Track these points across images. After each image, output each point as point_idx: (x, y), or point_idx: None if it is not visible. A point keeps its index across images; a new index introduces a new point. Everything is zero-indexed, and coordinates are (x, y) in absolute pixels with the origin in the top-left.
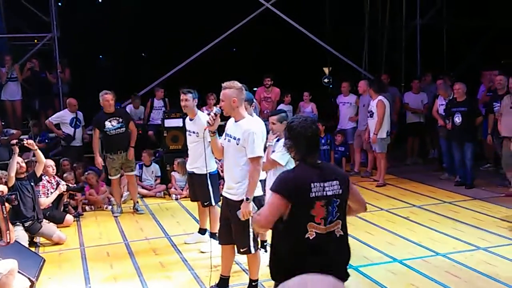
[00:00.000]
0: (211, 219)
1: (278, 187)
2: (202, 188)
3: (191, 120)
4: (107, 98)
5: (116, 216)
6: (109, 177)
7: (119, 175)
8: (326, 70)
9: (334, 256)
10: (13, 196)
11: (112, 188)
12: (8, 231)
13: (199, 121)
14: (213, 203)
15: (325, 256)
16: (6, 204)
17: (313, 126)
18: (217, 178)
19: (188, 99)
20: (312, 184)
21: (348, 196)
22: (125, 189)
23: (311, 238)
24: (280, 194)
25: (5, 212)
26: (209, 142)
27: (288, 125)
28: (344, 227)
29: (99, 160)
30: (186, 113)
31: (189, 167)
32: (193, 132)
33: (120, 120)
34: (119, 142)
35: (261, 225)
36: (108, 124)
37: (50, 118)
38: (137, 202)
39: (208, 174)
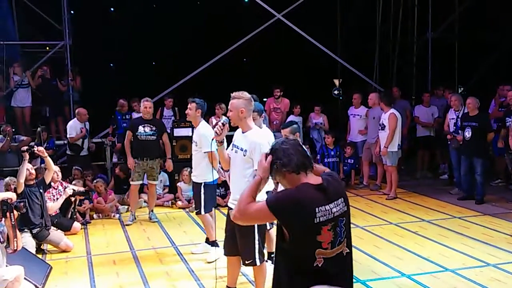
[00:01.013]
0: (205, 228)
1: (269, 200)
2: (196, 196)
3: (195, 129)
4: (146, 105)
5: (128, 224)
6: (131, 182)
7: (140, 182)
8: (336, 81)
9: (343, 276)
10: (22, 204)
11: (130, 194)
12: (15, 239)
13: (198, 131)
14: (202, 212)
15: (336, 279)
16: (15, 212)
17: (291, 139)
18: (214, 188)
19: (190, 108)
20: (317, 209)
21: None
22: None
23: (320, 265)
24: (271, 211)
25: (13, 220)
26: (205, 152)
27: (272, 147)
28: (349, 244)
29: (131, 160)
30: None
31: (191, 174)
32: (193, 141)
33: (154, 128)
34: (147, 148)
35: (241, 215)
36: (141, 128)
37: (69, 135)
38: (152, 210)
39: (203, 183)
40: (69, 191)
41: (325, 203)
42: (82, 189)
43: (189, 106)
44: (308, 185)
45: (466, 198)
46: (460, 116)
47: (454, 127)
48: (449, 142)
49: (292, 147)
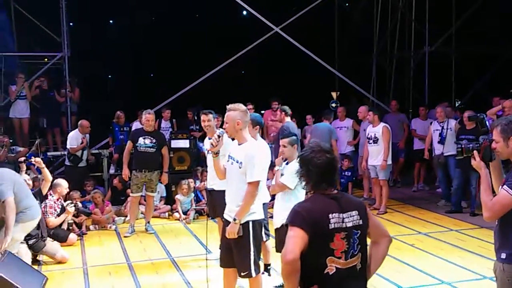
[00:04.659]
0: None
1: (294, 220)
2: (222, 203)
3: (209, 139)
4: (147, 118)
5: (127, 236)
6: (130, 194)
7: (139, 194)
8: (334, 94)
9: None
10: None
11: (130, 206)
12: None
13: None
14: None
15: None
16: None
17: (327, 155)
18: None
19: (210, 119)
20: (330, 215)
21: (368, 227)
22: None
23: (330, 273)
24: (298, 227)
25: None
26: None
27: (300, 155)
28: (364, 261)
29: (126, 171)
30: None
31: (209, 184)
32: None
33: (154, 140)
34: (145, 160)
35: (289, 260)
36: (141, 140)
37: (70, 146)
38: (149, 222)
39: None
40: (71, 209)
41: (338, 211)
42: (85, 210)
43: (207, 118)
44: (320, 195)
45: (454, 212)
46: (445, 127)
47: (439, 137)
48: (433, 156)
49: (318, 169)
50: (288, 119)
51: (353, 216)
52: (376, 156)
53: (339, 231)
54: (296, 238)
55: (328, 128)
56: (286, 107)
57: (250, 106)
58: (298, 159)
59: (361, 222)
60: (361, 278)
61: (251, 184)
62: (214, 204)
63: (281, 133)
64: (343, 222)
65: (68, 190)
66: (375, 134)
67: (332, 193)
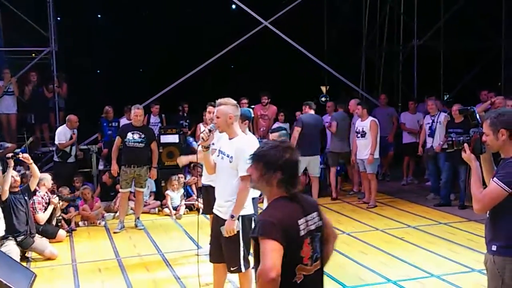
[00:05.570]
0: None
1: (267, 232)
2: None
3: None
4: (136, 113)
5: (117, 232)
6: (120, 190)
7: (129, 190)
8: (323, 89)
9: None
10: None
11: (119, 201)
12: None
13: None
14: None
15: None
16: None
17: (294, 155)
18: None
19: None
20: (299, 221)
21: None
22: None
23: (298, 282)
24: (273, 239)
25: None
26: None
27: (258, 152)
28: (322, 262)
29: (115, 167)
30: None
31: (205, 180)
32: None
33: (142, 135)
34: (134, 156)
35: (273, 278)
36: (129, 135)
37: (58, 141)
38: (138, 218)
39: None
40: (55, 200)
41: (302, 215)
42: (68, 196)
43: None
44: (283, 199)
45: (443, 205)
46: (435, 121)
47: (429, 131)
48: (427, 148)
49: (288, 170)
50: (311, 112)
51: (314, 218)
52: (364, 150)
53: (306, 236)
54: (274, 252)
55: (346, 117)
56: (310, 102)
57: (245, 101)
58: (256, 158)
59: (321, 224)
60: (322, 279)
61: (244, 178)
62: (209, 200)
63: (296, 124)
64: (307, 226)
65: (53, 182)
66: (363, 128)
67: (291, 193)
